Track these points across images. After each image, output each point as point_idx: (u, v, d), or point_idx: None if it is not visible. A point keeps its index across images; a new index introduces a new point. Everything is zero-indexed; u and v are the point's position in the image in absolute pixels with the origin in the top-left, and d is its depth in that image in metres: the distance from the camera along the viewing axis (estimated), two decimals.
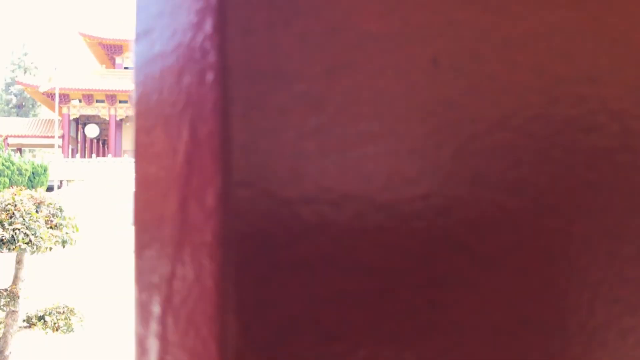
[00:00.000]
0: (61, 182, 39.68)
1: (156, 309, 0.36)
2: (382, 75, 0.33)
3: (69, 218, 4.99)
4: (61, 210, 4.93)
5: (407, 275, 0.34)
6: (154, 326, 0.36)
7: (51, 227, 4.77)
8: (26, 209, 4.64)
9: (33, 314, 4.90)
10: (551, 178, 0.37)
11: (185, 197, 0.33)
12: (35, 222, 4.63)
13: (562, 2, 0.37)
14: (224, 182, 0.31)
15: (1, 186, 29.94)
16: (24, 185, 30.66)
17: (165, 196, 0.34)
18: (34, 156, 46.63)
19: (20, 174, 32.03)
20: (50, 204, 4.88)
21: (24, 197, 4.77)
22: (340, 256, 0.33)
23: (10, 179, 31.02)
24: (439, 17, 0.34)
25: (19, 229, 4.50)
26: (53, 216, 4.84)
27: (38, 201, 4.84)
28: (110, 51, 53.04)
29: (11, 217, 4.56)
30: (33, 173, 33.42)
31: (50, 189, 35.89)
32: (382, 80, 0.33)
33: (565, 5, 0.37)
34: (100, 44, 51.84)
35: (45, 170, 34.57)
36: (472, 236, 0.35)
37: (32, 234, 4.54)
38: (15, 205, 4.63)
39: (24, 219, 4.55)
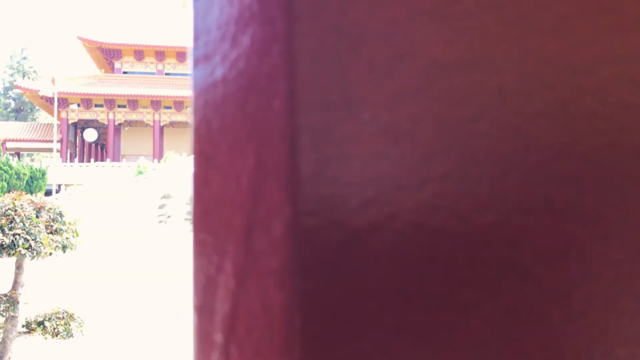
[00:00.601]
0: (59, 186, 39.61)
1: (218, 338, 0.36)
2: (448, 102, 0.33)
3: (69, 223, 4.98)
4: (61, 215, 4.92)
5: (477, 306, 0.34)
6: (216, 356, 0.36)
7: (51, 232, 4.76)
8: (26, 214, 4.63)
9: (32, 319, 4.88)
10: (619, 208, 0.37)
11: (250, 225, 0.33)
12: (35, 227, 4.62)
13: (629, 28, 0.37)
14: (291, 212, 0.31)
15: None
16: (22, 190, 30.65)
17: (229, 224, 0.34)
18: (32, 160, 46.57)
19: (19, 178, 32.01)
20: (51, 209, 4.87)
21: (24, 202, 4.76)
22: (409, 287, 0.33)
23: (8, 183, 30.98)
24: (506, 44, 0.34)
25: (19, 234, 4.49)
26: (53, 221, 4.83)
27: (38, 206, 4.82)
28: (109, 55, 53.03)
29: (11, 222, 4.55)
30: (31, 177, 33.38)
31: (48, 193, 35.84)
32: (449, 107, 0.33)
33: (632, 31, 0.37)
34: (99, 48, 51.84)
35: (43, 174, 34.54)
36: (541, 266, 0.35)
37: (32, 239, 4.53)
38: (16, 210, 4.62)
39: (24, 224, 4.54)
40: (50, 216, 4.84)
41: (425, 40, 0.33)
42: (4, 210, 4.63)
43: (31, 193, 29.71)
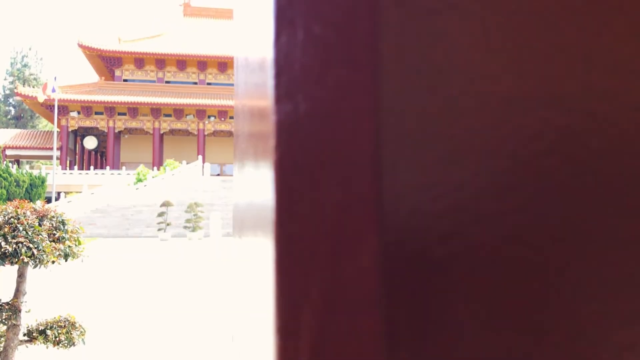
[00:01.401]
0: (59, 193, 39.63)
1: None
2: (521, 138, 0.36)
3: (71, 231, 4.98)
4: (63, 223, 4.92)
5: (550, 331, 0.37)
6: None
7: (54, 241, 4.77)
8: (29, 222, 4.64)
9: (34, 327, 4.88)
10: None
11: (337, 255, 0.34)
12: (38, 235, 4.62)
13: None
14: (377, 242, 0.32)
15: None
16: (21, 197, 30.62)
17: (313, 255, 0.36)
18: (32, 168, 46.58)
19: (18, 185, 32.02)
20: (53, 217, 4.88)
21: (27, 210, 4.76)
22: (493, 316, 0.35)
23: (7, 191, 31.00)
24: (573, 84, 0.37)
25: (22, 243, 4.50)
26: (55, 229, 4.84)
27: (41, 214, 4.83)
28: (109, 63, 53.13)
29: (14, 231, 4.55)
30: (31, 185, 33.41)
31: (47, 200, 35.81)
32: (522, 142, 0.36)
33: None
34: (99, 56, 51.96)
35: (43, 181, 34.57)
36: (609, 294, 0.38)
37: (35, 248, 4.53)
38: (19, 219, 4.62)
39: (27, 232, 4.54)
40: (52, 224, 4.84)
41: (499, 78, 0.35)
42: (7, 218, 4.64)
43: (30, 200, 29.70)
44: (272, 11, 0.36)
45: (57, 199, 36.76)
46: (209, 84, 54.34)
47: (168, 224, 26.24)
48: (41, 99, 38.16)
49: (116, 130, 49.05)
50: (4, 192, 30.51)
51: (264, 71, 0.39)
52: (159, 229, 26.14)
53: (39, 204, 5.41)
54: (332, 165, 0.35)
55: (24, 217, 4.66)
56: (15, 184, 31.77)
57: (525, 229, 0.36)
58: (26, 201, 5.18)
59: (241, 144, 0.99)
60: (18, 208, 4.78)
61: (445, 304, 0.34)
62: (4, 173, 30.98)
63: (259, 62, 0.42)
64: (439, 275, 0.34)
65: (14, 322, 4.68)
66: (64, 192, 37.34)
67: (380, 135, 0.34)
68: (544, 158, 0.36)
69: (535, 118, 0.36)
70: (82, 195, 31.92)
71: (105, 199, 32.56)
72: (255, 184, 0.59)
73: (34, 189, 33.13)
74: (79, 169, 48.19)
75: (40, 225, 4.76)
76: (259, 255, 0.49)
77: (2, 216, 4.64)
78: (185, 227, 26.86)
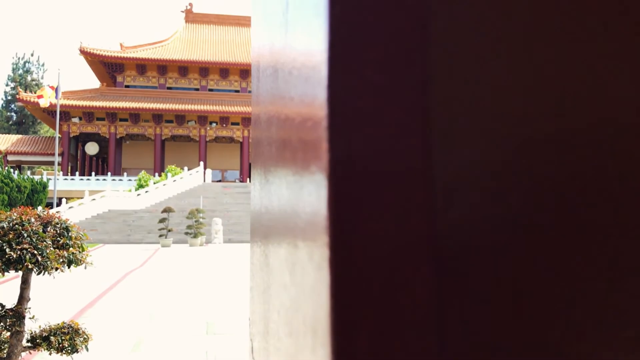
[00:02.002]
0: (60, 199, 39.64)
1: None
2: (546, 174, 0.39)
3: (75, 238, 4.99)
4: (67, 230, 4.93)
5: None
6: None
7: (58, 247, 4.77)
8: (34, 228, 4.65)
9: (38, 333, 4.89)
10: None
11: (392, 284, 0.36)
12: (42, 241, 4.63)
13: None
14: (433, 270, 0.35)
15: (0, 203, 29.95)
16: (22, 202, 30.64)
17: (370, 283, 0.37)
18: (33, 173, 46.64)
19: (19, 191, 32.03)
20: (57, 223, 4.89)
21: (32, 217, 4.77)
22: (548, 345, 0.37)
23: (9, 196, 31.01)
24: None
25: (26, 249, 4.50)
26: (59, 236, 4.84)
27: (45, 220, 4.84)
28: (111, 69, 53.25)
29: (19, 237, 4.56)
30: (32, 190, 33.42)
31: (49, 206, 35.84)
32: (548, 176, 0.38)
33: None
34: (101, 61, 52.08)
35: (44, 187, 34.57)
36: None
37: (40, 254, 4.54)
38: (23, 225, 4.63)
39: (31, 239, 4.55)
40: (56, 231, 4.85)
41: (541, 121, 0.39)
42: (11, 224, 4.65)
43: (32, 206, 29.74)
44: (323, 37, 0.38)
45: (58, 205, 36.79)
46: (210, 90, 54.42)
47: (169, 230, 26.23)
48: (45, 104, 38.20)
49: (118, 136, 49.10)
50: (6, 197, 30.52)
51: (311, 87, 0.41)
52: (160, 235, 26.13)
53: (40, 209, 5.43)
54: (387, 199, 0.37)
55: (29, 223, 4.68)
56: (16, 189, 31.79)
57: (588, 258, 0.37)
58: (30, 208, 5.19)
59: (266, 150, 0.98)
60: (22, 215, 4.79)
61: (499, 329, 0.36)
62: (5, 179, 30.99)
63: (304, 77, 0.45)
64: (494, 300, 0.36)
65: (17, 328, 4.68)
66: (66, 198, 37.37)
67: (432, 173, 0.36)
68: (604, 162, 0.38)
69: (584, 124, 0.38)
70: (84, 201, 31.94)
71: (106, 205, 32.58)
72: (294, 195, 0.60)
73: (35, 195, 33.14)
74: (80, 174, 48.23)
75: (44, 231, 4.77)
76: (300, 270, 0.52)
77: (6, 222, 4.65)
78: (186, 233, 26.86)
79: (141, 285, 12.68)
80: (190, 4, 63.34)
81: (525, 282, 0.36)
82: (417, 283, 0.35)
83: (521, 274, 0.36)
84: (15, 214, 4.77)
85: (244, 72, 55.10)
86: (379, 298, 0.36)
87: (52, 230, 4.78)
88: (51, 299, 10.60)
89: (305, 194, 0.43)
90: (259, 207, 1.10)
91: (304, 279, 0.45)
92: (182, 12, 63.22)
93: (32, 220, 4.69)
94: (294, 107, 0.49)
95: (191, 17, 63.17)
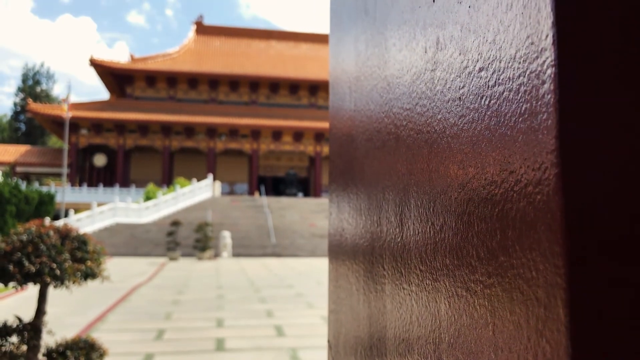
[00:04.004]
0: (67, 211, 39.64)
1: None
2: None
3: (93, 252, 4.90)
4: (85, 243, 4.83)
5: None
6: None
7: (75, 261, 4.68)
8: (52, 242, 4.55)
9: (54, 348, 4.78)
10: None
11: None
12: (60, 255, 4.54)
13: None
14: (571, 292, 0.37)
15: (7, 214, 29.92)
16: (30, 213, 30.62)
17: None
18: (41, 184, 46.70)
19: (27, 202, 32.01)
20: (75, 236, 4.79)
21: (50, 230, 4.68)
22: None
23: (17, 207, 30.99)
24: None
25: (45, 262, 4.41)
26: (77, 249, 4.75)
27: (63, 234, 4.74)
28: (121, 81, 53.47)
29: (37, 250, 4.47)
30: (40, 202, 33.39)
31: (56, 217, 35.85)
32: None
33: None
34: (111, 73, 52.29)
35: (52, 198, 34.53)
36: None
37: (58, 268, 4.44)
38: (42, 238, 4.54)
39: (50, 252, 4.46)
40: (74, 244, 4.76)
41: None
42: (30, 238, 4.56)
43: (39, 217, 29.68)
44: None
45: (65, 217, 36.76)
46: (220, 102, 54.54)
47: (177, 244, 26.12)
48: (53, 115, 38.31)
49: (126, 148, 49.20)
50: (14, 208, 30.51)
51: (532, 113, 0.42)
52: (168, 249, 26.02)
53: (47, 221, 5.33)
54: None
55: (47, 236, 4.58)
56: (24, 200, 31.77)
57: None
58: (41, 220, 5.10)
59: (361, 166, 0.93)
60: (41, 228, 4.71)
61: None
62: (13, 190, 30.98)
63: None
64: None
65: (35, 342, 4.58)
66: (73, 210, 37.34)
67: (569, 195, 0.37)
68: None
69: None
70: (91, 213, 31.88)
71: (113, 218, 32.52)
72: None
73: (42, 206, 33.10)
74: (88, 186, 48.25)
75: (62, 244, 4.68)
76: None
77: (25, 235, 4.57)
78: (194, 247, 26.75)
79: (148, 300, 12.57)
80: (201, 16, 63.67)
81: None
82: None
83: None
84: (34, 226, 4.68)
85: (254, 84, 55.22)
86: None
87: (70, 244, 4.69)
88: (59, 311, 10.50)
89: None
90: (345, 223, 1.05)
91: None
92: (193, 24, 63.52)
93: (51, 233, 4.60)
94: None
95: (202, 29, 63.45)
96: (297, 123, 50.97)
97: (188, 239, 28.60)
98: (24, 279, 4.39)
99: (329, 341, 1.23)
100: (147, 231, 31.32)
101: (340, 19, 1.21)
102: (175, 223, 26.79)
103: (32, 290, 12.64)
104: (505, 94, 0.48)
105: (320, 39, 66.01)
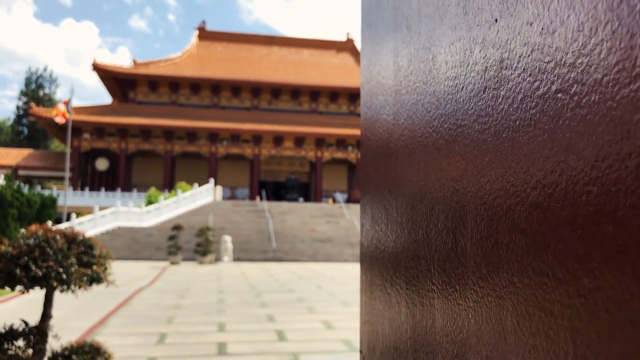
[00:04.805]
0: (69, 214, 39.71)
1: None
2: None
3: (99, 256, 4.96)
4: (91, 247, 4.90)
5: None
6: None
7: (81, 265, 4.75)
8: (59, 246, 4.62)
9: (59, 352, 4.84)
10: None
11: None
12: (67, 259, 4.60)
13: None
14: None
15: (9, 217, 29.99)
16: (32, 217, 30.69)
17: None
18: (43, 188, 46.78)
19: (29, 205, 32.08)
20: (81, 241, 4.86)
21: (57, 235, 4.75)
22: None
23: (19, 211, 31.06)
24: None
25: (51, 267, 4.48)
26: (84, 254, 4.82)
27: (70, 238, 4.81)
28: (123, 85, 53.61)
29: (44, 254, 4.54)
30: (42, 205, 33.46)
31: (58, 221, 35.92)
32: None
33: None
34: (114, 77, 52.44)
35: (54, 202, 34.58)
36: None
37: (64, 272, 4.51)
38: (49, 242, 4.61)
39: (56, 257, 4.52)
40: (81, 248, 4.83)
41: None
42: (37, 242, 4.63)
43: (41, 221, 29.74)
44: None
45: (67, 220, 36.82)
46: (222, 107, 54.66)
47: (179, 248, 26.17)
48: (60, 121, 38.37)
49: (128, 152, 49.30)
50: (16, 212, 30.57)
51: None
52: (170, 253, 26.07)
53: (49, 224, 5.41)
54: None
55: (54, 241, 4.65)
56: (26, 204, 31.83)
57: None
58: (47, 224, 5.16)
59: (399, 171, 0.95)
60: (48, 232, 4.77)
61: None
62: (15, 193, 31.06)
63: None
64: None
65: (40, 346, 4.64)
66: (75, 213, 37.38)
67: None
68: None
69: None
70: (93, 217, 31.95)
71: (115, 221, 32.59)
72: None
73: (44, 210, 33.15)
74: (90, 190, 48.32)
75: (69, 249, 4.74)
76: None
77: (32, 239, 4.63)
78: (195, 251, 26.81)
79: (150, 304, 12.63)
80: (204, 22, 63.85)
81: None
82: None
83: None
84: (40, 230, 4.75)
85: (256, 90, 55.33)
86: None
87: (76, 248, 4.75)
88: (62, 314, 10.56)
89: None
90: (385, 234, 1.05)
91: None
92: (195, 29, 63.70)
93: (58, 237, 4.67)
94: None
95: (204, 34, 63.62)
96: (298, 128, 51.06)
97: (189, 243, 28.67)
98: (31, 283, 4.46)
99: (361, 351, 1.22)
100: (148, 235, 31.38)
101: (374, 32, 1.21)
102: (176, 227, 26.85)
103: (32, 293, 12.70)
104: (589, 117, 0.47)
105: (321, 45, 66.17)
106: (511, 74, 0.62)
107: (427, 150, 0.86)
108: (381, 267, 1.09)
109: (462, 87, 0.74)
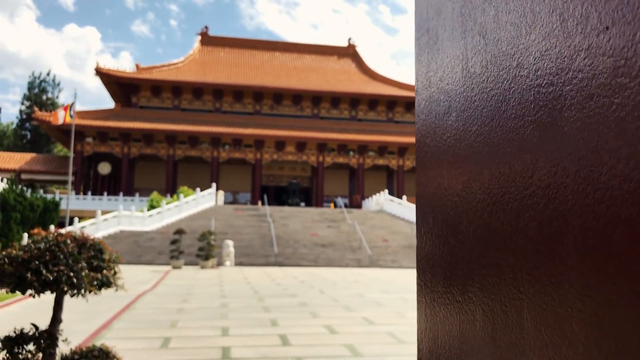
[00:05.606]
0: (72, 218, 39.82)
1: None
2: None
3: (109, 260, 5.04)
4: (101, 252, 4.97)
5: None
6: None
7: (92, 269, 4.82)
8: (70, 250, 4.70)
9: (69, 356, 4.91)
10: None
11: None
12: (77, 263, 4.68)
13: None
14: None
15: (12, 221, 30.08)
16: (35, 221, 30.78)
17: None
18: (46, 192, 46.85)
19: (32, 209, 32.18)
20: (92, 245, 4.93)
21: (67, 239, 4.83)
22: None
23: (22, 214, 31.15)
24: None
25: (62, 271, 4.55)
26: (94, 258, 4.89)
27: (80, 242, 4.89)
28: (126, 90, 53.75)
29: (55, 259, 4.61)
30: (44, 209, 33.56)
31: (60, 225, 35.99)
32: None
33: None
34: (116, 82, 52.59)
35: (56, 206, 34.70)
36: None
37: (75, 277, 4.58)
38: (59, 246, 4.68)
39: (67, 261, 4.60)
40: (91, 253, 4.90)
41: None
42: (48, 246, 4.70)
43: (44, 225, 29.83)
44: None
45: (70, 224, 36.91)
46: (224, 112, 54.78)
47: (181, 252, 26.23)
48: (56, 122, 38.47)
49: (130, 157, 49.42)
50: (18, 215, 30.66)
51: None
52: (172, 257, 26.13)
53: (52, 228, 5.46)
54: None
55: (65, 245, 4.72)
56: (29, 208, 31.92)
57: None
58: (49, 229, 5.24)
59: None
60: (59, 236, 4.85)
61: None
62: (18, 197, 31.16)
63: None
64: None
65: (50, 350, 4.71)
66: (78, 217, 37.47)
67: None
68: None
69: None
70: (95, 221, 32.03)
71: (117, 225, 32.67)
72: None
73: (47, 214, 33.25)
74: (92, 194, 48.42)
75: (79, 253, 4.82)
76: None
77: (43, 244, 4.71)
78: (197, 256, 26.87)
79: (153, 308, 12.68)
80: (206, 27, 64.03)
81: None
82: None
83: None
84: (51, 235, 4.83)
85: (258, 95, 55.46)
86: None
87: (86, 252, 4.82)
88: (66, 318, 10.61)
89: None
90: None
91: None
92: (198, 34, 63.88)
93: (68, 241, 4.74)
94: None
95: (206, 39, 63.81)
96: (300, 133, 51.17)
97: (191, 247, 28.72)
98: (42, 287, 4.53)
99: (420, 358, 1.19)
100: (150, 239, 31.45)
101: (434, 39, 1.18)
102: (178, 231, 26.91)
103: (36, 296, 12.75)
104: None
105: (323, 50, 66.34)
106: (629, 81, 0.59)
107: (511, 156, 0.84)
108: (446, 274, 1.07)
109: (560, 95, 0.73)
